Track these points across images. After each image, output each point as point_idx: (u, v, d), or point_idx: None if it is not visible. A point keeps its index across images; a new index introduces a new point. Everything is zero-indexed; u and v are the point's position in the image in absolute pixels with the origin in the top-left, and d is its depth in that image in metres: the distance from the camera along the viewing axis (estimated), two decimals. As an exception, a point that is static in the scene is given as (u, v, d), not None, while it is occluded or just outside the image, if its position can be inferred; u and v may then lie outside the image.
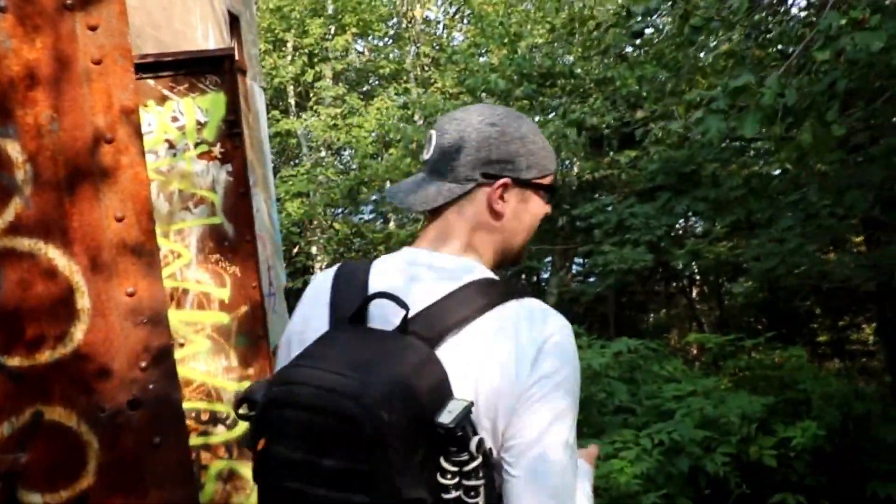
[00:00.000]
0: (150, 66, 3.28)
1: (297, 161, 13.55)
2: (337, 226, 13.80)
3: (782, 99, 2.29)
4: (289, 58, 12.35)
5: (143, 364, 1.89)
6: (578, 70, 9.16)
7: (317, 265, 13.06)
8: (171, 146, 3.33)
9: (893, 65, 2.67)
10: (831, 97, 2.73)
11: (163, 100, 3.31)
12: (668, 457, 4.49)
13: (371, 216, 15.88)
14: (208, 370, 3.45)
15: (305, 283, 12.55)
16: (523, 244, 1.36)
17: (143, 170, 1.84)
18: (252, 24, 6.50)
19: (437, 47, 13.49)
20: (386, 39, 14.73)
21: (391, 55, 13.92)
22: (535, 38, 10.00)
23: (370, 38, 13.60)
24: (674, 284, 14.56)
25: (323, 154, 13.34)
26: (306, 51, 12.32)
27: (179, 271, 3.38)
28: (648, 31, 8.89)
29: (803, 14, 5.54)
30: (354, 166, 13.61)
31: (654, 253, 7.39)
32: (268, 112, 12.74)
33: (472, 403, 1.09)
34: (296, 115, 12.71)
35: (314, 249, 13.03)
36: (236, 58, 6.07)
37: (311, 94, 12.89)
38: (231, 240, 3.39)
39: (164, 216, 3.35)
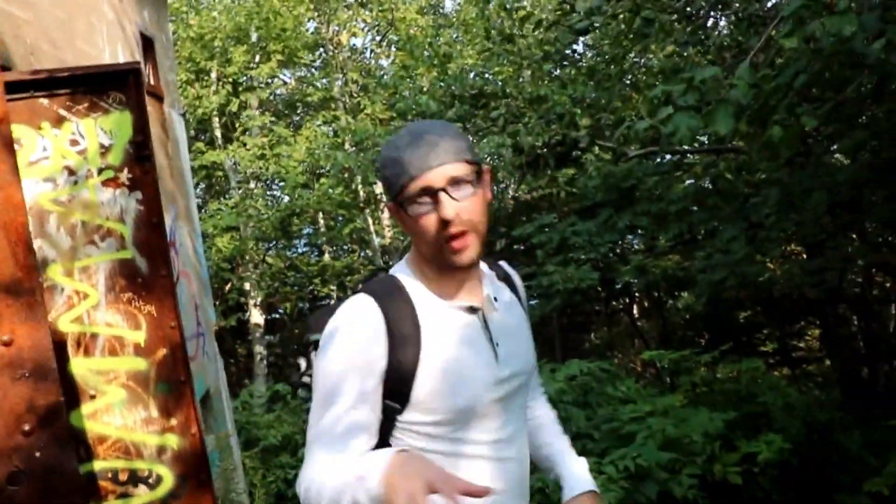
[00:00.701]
0: (44, 83, 2.90)
1: (226, 195, 13.06)
2: (270, 260, 13.33)
3: (753, 90, 2.11)
4: (212, 87, 11.90)
5: (27, 427, 1.54)
6: (510, 89, 8.99)
7: (251, 301, 12.55)
8: (72, 173, 2.95)
9: (859, 52, 2.51)
10: (790, 89, 2.55)
11: (59, 121, 2.93)
12: (634, 483, 4.22)
13: (305, 248, 15.45)
14: (125, 424, 3.05)
15: (239, 322, 11.97)
16: (430, 246, 1.56)
17: (17, 191, 1.49)
18: (169, 50, 6.11)
19: (366, 73, 13.23)
20: (312, 68, 14.42)
21: (319, 83, 13.60)
22: (465, 58, 9.83)
23: (296, 66, 13.24)
24: (613, 303, 14.49)
25: (252, 186, 12.88)
26: (230, 80, 11.90)
27: (87, 314, 2.98)
28: (582, 41, 8.78)
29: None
30: (285, 198, 13.21)
31: (599, 271, 7.20)
32: (192, 144, 12.23)
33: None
34: (222, 147, 12.23)
35: (247, 285, 12.52)
36: (152, 82, 5.67)
37: (237, 125, 12.45)
38: (144, 276, 3.02)
39: (67, 252, 2.96)
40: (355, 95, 12.79)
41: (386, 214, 13.19)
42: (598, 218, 7.78)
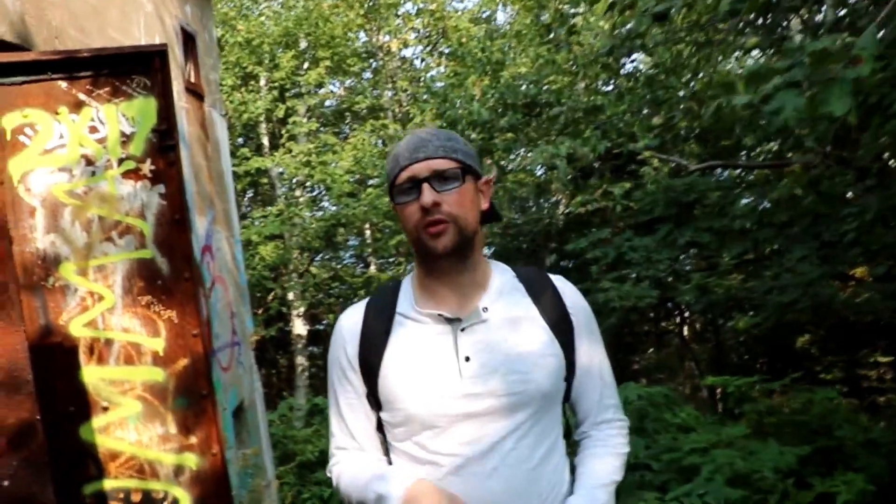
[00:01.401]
0: (62, 65, 2.65)
1: (272, 203, 12.91)
2: (314, 270, 13.12)
3: (880, 64, 1.76)
4: (260, 93, 11.75)
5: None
6: (565, 99, 8.63)
7: (293, 312, 12.34)
8: (89, 163, 2.69)
9: None
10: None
11: (78, 106, 2.68)
12: (700, 524, 3.81)
13: (350, 259, 15.22)
14: (140, 440, 2.77)
15: (281, 332, 11.77)
16: (411, 235, 1.64)
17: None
18: (212, 48, 5.91)
19: (416, 82, 12.98)
20: (361, 78, 14.23)
21: (367, 93, 13.39)
22: (518, 66, 9.51)
23: (345, 75, 13.06)
24: (662, 324, 13.93)
25: (297, 194, 12.68)
26: (277, 85, 11.74)
27: (101, 317, 2.71)
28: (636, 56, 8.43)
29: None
30: (332, 207, 13.00)
31: (658, 289, 6.78)
32: (237, 150, 12.11)
33: None
34: (269, 154, 12.08)
35: (290, 295, 12.32)
36: (192, 80, 5.46)
37: (284, 132, 12.28)
38: (166, 278, 2.74)
39: (81, 249, 2.70)
40: (404, 104, 12.54)
41: (433, 227, 12.87)
42: (657, 233, 7.35)
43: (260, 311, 12.40)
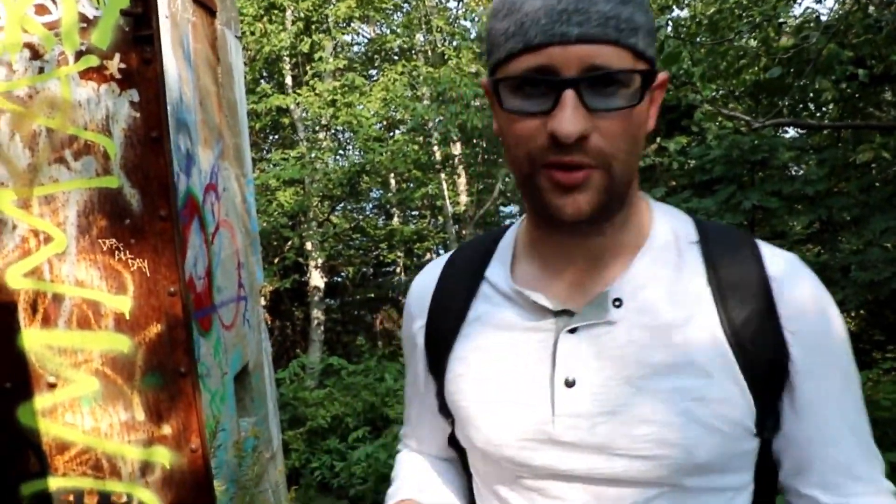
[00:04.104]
0: (-1, -83, 1.93)
1: (293, 146, 12.19)
2: (335, 219, 12.43)
3: None
4: (284, 24, 10.91)
5: None
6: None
7: (311, 262, 11.69)
8: (35, 55, 1.99)
9: None
10: None
11: (21, -24, 1.96)
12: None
13: (373, 211, 14.53)
14: (97, 428, 2.13)
15: (297, 283, 11.18)
16: (521, 172, 0.91)
17: None
18: (227, -43, 5.14)
19: (453, 21, 12.10)
20: (392, 18, 13.35)
21: (401, 31, 12.53)
22: (567, 5, 8.63)
23: (376, 11, 12.16)
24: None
25: (321, 137, 11.93)
26: (302, 16, 10.91)
27: (48, 265, 2.05)
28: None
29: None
30: (356, 154, 12.25)
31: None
32: (255, 85, 11.36)
33: None
34: (292, 92, 11.31)
35: (309, 245, 11.66)
36: (201, -10, 4.71)
37: (309, 69, 11.49)
38: (136, 216, 2.05)
39: (23, 173, 2.02)
40: (439, 46, 11.69)
41: (462, 180, 12.14)
42: (718, 195, 6.58)
43: (276, 261, 11.76)
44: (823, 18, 6.43)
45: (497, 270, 1.05)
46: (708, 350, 0.92)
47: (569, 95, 0.83)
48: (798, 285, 0.95)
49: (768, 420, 0.94)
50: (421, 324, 1.12)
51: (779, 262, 0.96)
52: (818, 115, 9.29)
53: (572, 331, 0.95)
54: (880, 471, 1.00)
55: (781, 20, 6.20)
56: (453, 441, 1.13)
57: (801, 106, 8.57)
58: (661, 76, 0.93)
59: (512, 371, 0.98)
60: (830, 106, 8.66)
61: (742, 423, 0.91)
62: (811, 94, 7.96)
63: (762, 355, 0.92)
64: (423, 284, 1.15)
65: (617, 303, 0.94)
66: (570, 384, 0.94)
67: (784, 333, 0.93)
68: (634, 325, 0.94)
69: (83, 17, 2.00)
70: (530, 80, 0.86)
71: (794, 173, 7.40)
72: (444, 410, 1.10)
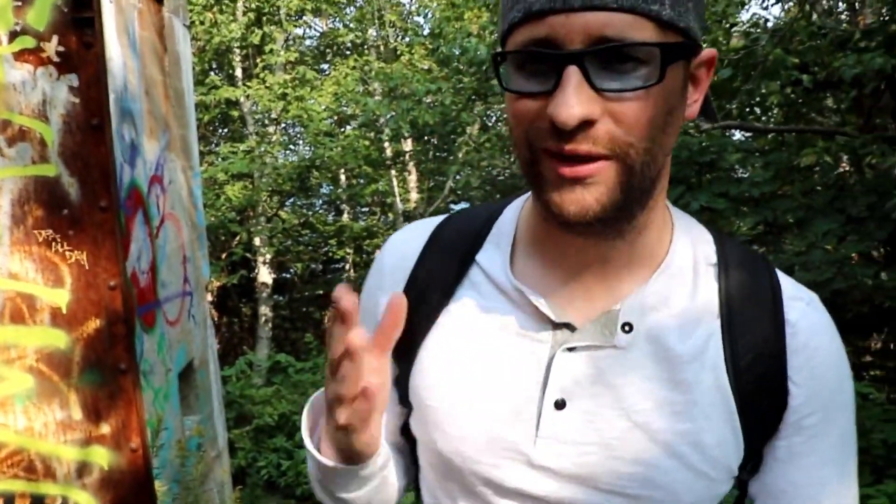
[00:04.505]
0: None
1: (242, 140, 11.98)
2: (284, 215, 12.25)
3: None
4: (237, 14, 10.70)
5: None
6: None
7: (259, 258, 11.51)
8: None
9: None
10: None
11: (-49, -50, 1.86)
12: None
13: (322, 207, 14.37)
14: (30, 427, 2.02)
15: (245, 279, 11.01)
16: (522, 157, 0.79)
17: None
18: (176, -56, 5.00)
19: (406, 17, 12.03)
20: (345, 13, 13.21)
21: (353, 25, 12.42)
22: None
23: (327, 3, 12.00)
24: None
25: (271, 131, 11.76)
26: (253, 6, 10.71)
27: None
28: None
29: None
30: (306, 149, 12.08)
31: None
32: (204, 77, 11.14)
33: None
34: (241, 85, 11.11)
35: (257, 241, 11.47)
36: (148, -24, 4.57)
37: (259, 61, 11.30)
38: (74, 205, 1.96)
39: (-48, 159, 1.90)
40: (392, 42, 11.61)
41: (413, 177, 12.08)
42: (668, 196, 6.64)
43: (223, 257, 11.55)
44: (770, 24, 6.57)
45: (492, 256, 0.92)
46: (711, 390, 0.84)
47: (571, 73, 0.70)
48: (815, 334, 0.86)
49: (751, 463, 0.88)
50: (395, 289, 0.95)
51: (799, 305, 0.87)
52: (763, 118, 9.48)
53: (571, 349, 0.85)
54: None
55: (732, 23, 6.31)
56: (405, 430, 1.00)
57: (747, 109, 8.73)
58: (707, 53, 0.80)
59: (495, 379, 0.87)
60: (775, 110, 8.85)
61: (730, 467, 0.86)
62: (757, 98, 8.12)
63: (762, 401, 0.85)
64: (403, 254, 0.98)
65: (627, 327, 0.83)
66: (559, 406, 0.85)
67: (788, 383, 0.85)
68: (641, 353, 0.84)
69: (18, -3, 1.90)
70: (532, 56, 0.73)
71: (740, 175, 7.55)
72: (403, 400, 0.96)
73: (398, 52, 11.12)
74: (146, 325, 3.80)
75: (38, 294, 1.98)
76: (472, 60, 7.64)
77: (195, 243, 5.14)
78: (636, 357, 0.84)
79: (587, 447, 0.84)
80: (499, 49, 0.78)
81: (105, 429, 2.05)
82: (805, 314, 0.86)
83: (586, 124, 0.71)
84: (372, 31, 12.38)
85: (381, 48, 12.25)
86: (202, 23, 10.36)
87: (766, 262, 0.90)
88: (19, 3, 1.89)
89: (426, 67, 10.38)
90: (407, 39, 11.80)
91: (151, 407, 3.60)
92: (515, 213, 0.94)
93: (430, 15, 11.02)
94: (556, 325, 0.85)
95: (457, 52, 8.03)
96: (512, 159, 9.88)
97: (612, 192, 0.74)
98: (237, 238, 11.58)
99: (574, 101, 0.69)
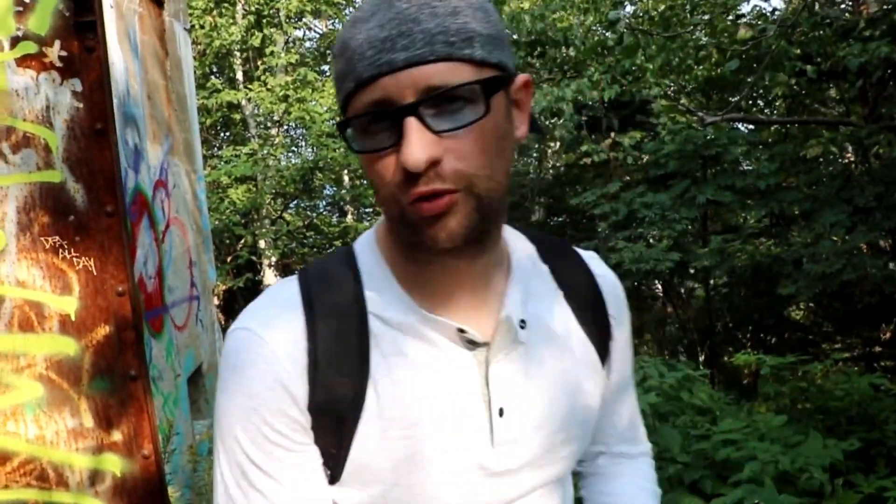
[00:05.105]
0: None
1: (245, 143, 11.96)
2: (288, 217, 12.24)
3: None
4: (237, 17, 10.69)
5: None
6: (573, 37, 7.80)
7: (265, 261, 11.49)
8: None
9: None
10: None
11: (-48, -43, 1.84)
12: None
13: (326, 208, 14.37)
14: (41, 436, 2.01)
15: (251, 283, 11.04)
16: (387, 207, 0.87)
17: None
18: (176, -51, 4.99)
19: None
20: (344, 14, 13.22)
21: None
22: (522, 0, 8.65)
23: (330, 6, 12.01)
24: (643, 287, 13.27)
25: (273, 133, 11.74)
26: (253, 10, 10.70)
27: None
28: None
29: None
30: (309, 151, 12.07)
31: (681, 251, 6.09)
32: (206, 80, 11.13)
33: None
34: (243, 88, 11.09)
35: (262, 243, 11.47)
36: (148, -20, 4.56)
37: (260, 63, 11.28)
38: (80, 212, 1.95)
39: (-43, 166, 1.88)
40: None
41: (417, 176, 12.05)
42: (673, 190, 6.63)
43: (228, 260, 11.55)
44: (773, 15, 6.53)
45: (387, 302, 0.93)
46: (583, 350, 1.02)
47: (410, 123, 0.79)
48: (610, 277, 1.11)
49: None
50: (300, 383, 0.90)
51: (595, 262, 1.10)
52: (767, 111, 9.44)
53: (494, 359, 0.94)
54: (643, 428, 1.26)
55: (739, 13, 6.27)
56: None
57: (750, 102, 8.71)
58: (521, 78, 0.91)
59: (442, 414, 0.92)
60: (778, 103, 8.82)
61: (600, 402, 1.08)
62: (761, 91, 8.08)
63: (602, 341, 1.06)
64: (288, 336, 0.91)
65: (522, 324, 0.94)
66: (501, 413, 0.94)
67: (609, 318, 1.07)
68: (538, 342, 0.97)
69: (18, 1, 1.88)
70: (373, 117, 0.81)
71: (744, 168, 7.53)
72: (330, 474, 0.95)
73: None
74: (154, 331, 3.79)
75: (46, 301, 1.96)
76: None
77: (201, 247, 5.14)
78: (536, 347, 0.97)
79: (527, 438, 0.96)
80: (343, 120, 0.86)
81: (117, 436, 2.03)
82: (601, 266, 1.11)
83: (433, 165, 0.79)
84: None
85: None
86: (202, 26, 10.36)
87: (563, 239, 1.14)
88: (20, 9, 1.88)
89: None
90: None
91: (161, 412, 3.59)
92: (372, 257, 0.97)
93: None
94: (472, 343, 0.93)
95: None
96: (515, 156, 9.86)
97: (471, 217, 0.83)
98: (242, 241, 11.59)
99: (418, 147, 0.78)
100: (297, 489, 0.92)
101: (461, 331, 0.91)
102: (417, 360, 0.92)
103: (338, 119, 0.99)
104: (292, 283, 0.96)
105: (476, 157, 0.82)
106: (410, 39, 0.79)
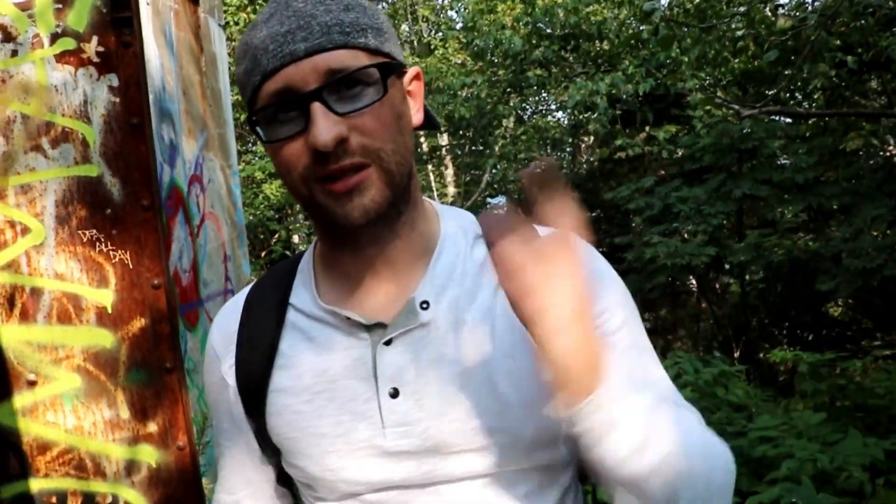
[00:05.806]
0: None
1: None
2: (322, 212, 12.33)
3: None
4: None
5: None
6: (607, 30, 7.73)
7: (298, 256, 11.58)
8: (7, 38, 1.91)
9: None
10: None
11: (-8, -45, 1.87)
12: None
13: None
14: (79, 426, 2.05)
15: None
16: (299, 193, 0.94)
17: None
18: (211, -55, 5.02)
19: (439, 11, 12.01)
20: (379, 4, 13.26)
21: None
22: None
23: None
24: (677, 282, 13.08)
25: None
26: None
27: (25, 257, 1.96)
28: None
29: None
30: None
31: (717, 246, 6.01)
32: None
33: None
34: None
35: (296, 238, 11.58)
36: (183, -23, 4.60)
37: (293, 60, 11.38)
38: (117, 205, 1.97)
39: (-3, 161, 1.92)
40: (425, 37, 11.59)
41: (450, 171, 12.07)
42: (708, 184, 6.54)
43: (262, 255, 11.66)
44: (817, 4, 6.40)
45: (301, 295, 1.05)
46: (508, 333, 0.97)
47: (316, 107, 0.86)
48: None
49: None
50: (230, 363, 1.07)
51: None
52: (805, 104, 9.27)
53: (388, 342, 0.97)
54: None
55: (777, 3, 6.16)
56: (282, 478, 1.12)
57: (788, 94, 8.54)
58: (412, 70, 1.00)
59: (335, 393, 0.99)
60: (817, 95, 8.65)
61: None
62: (798, 83, 7.94)
63: None
64: (225, 325, 1.10)
65: (424, 305, 0.97)
66: (393, 395, 0.96)
67: None
68: (444, 324, 0.97)
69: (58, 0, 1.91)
70: (279, 106, 0.89)
71: (781, 162, 7.41)
72: (268, 450, 1.08)
73: (432, 47, 11.10)
74: (189, 324, 3.83)
75: (83, 294, 1.99)
76: (507, 52, 7.58)
77: (235, 241, 5.18)
78: (441, 329, 0.97)
79: (428, 422, 0.95)
80: (251, 114, 0.94)
81: (152, 427, 2.06)
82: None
83: (341, 143, 0.87)
84: (405, 27, 12.38)
85: (415, 43, 12.25)
86: (237, 23, 10.46)
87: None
88: (59, 6, 1.90)
89: (460, 62, 10.34)
90: (440, 34, 11.78)
91: (196, 405, 3.62)
92: (310, 254, 1.09)
93: (462, 9, 11.00)
94: (370, 328, 0.98)
95: (491, 45, 7.96)
96: (549, 151, 9.80)
97: (382, 191, 0.90)
98: (276, 236, 11.69)
99: (324, 127, 0.85)
100: (234, 474, 1.14)
101: (348, 318, 0.98)
102: (321, 345, 1.01)
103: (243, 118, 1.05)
104: (247, 287, 1.13)
105: (380, 132, 0.89)
106: (309, 31, 0.88)
